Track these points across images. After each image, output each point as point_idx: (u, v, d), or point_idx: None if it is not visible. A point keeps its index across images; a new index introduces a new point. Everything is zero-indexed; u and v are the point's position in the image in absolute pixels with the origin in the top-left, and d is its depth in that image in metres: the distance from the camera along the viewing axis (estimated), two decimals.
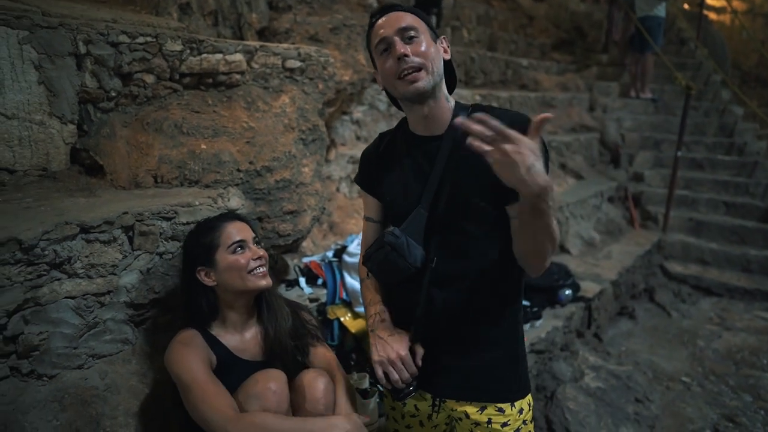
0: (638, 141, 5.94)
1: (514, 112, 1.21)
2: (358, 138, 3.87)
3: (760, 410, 2.78)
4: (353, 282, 2.20)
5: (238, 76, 2.14)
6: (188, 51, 1.99)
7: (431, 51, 1.16)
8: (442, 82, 1.22)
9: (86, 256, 1.43)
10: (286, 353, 1.53)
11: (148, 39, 1.88)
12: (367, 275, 1.38)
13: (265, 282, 1.47)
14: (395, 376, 1.20)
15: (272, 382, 1.37)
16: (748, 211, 4.87)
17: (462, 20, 6.30)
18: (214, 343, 1.46)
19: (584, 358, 2.94)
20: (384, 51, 1.18)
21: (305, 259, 2.45)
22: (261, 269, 1.47)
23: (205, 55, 2.03)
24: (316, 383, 1.42)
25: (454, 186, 1.20)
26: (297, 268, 2.27)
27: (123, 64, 1.83)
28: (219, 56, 2.07)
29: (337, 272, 2.28)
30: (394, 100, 1.32)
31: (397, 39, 1.15)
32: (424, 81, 1.15)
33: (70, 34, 1.70)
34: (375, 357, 1.22)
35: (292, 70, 2.33)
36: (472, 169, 1.18)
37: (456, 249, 1.22)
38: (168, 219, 1.61)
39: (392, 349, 1.21)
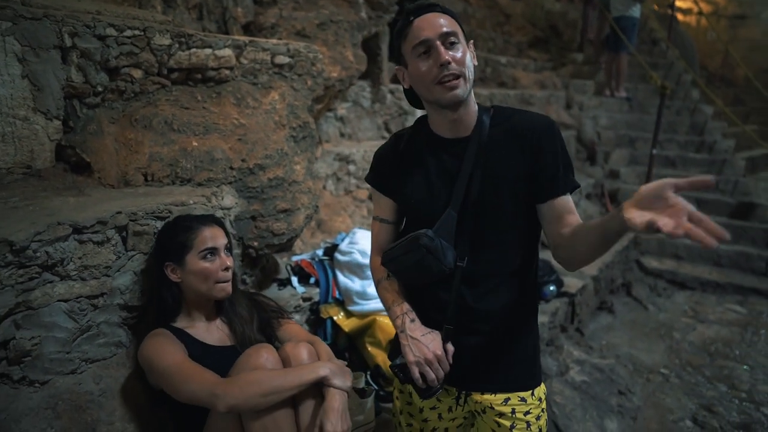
0: (614, 139, 6.07)
1: (536, 115, 1.24)
2: (342, 135, 3.85)
3: (735, 399, 2.89)
4: (346, 281, 2.18)
5: (227, 72, 2.10)
6: (177, 45, 1.94)
7: (467, 58, 1.17)
8: (472, 89, 1.24)
9: (79, 258, 1.38)
10: (259, 343, 1.54)
11: (136, 32, 1.83)
12: (387, 276, 1.36)
13: (226, 293, 1.52)
14: (432, 375, 1.20)
15: (264, 352, 1.40)
16: (718, 208, 5.03)
17: None
18: (183, 336, 1.48)
19: (569, 353, 3.00)
20: (423, 53, 1.16)
21: (295, 258, 2.43)
22: (226, 279, 1.51)
23: (194, 50, 1.98)
24: (298, 350, 1.44)
25: (482, 187, 1.22)
26: (288, 267, 2.24)
27: (110, 58, 1.77)
28: (208, 51, 2.02)
29: (329, 271, 2.26)
30: (413, 101, 1.31)
31: (439, 44, 1.13)
32: (461, 89, 1.16)
33: (55, 26, 1.64)
34: (411, 358, 1.22)
35: (281, 66, 2.29)
36: (499, 170, 1.22)
37: (485, 248, 1.25)
38: (162, 218, 1.57)
39: (428, 349, 1.21)
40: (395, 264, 1.28)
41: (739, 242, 4.68)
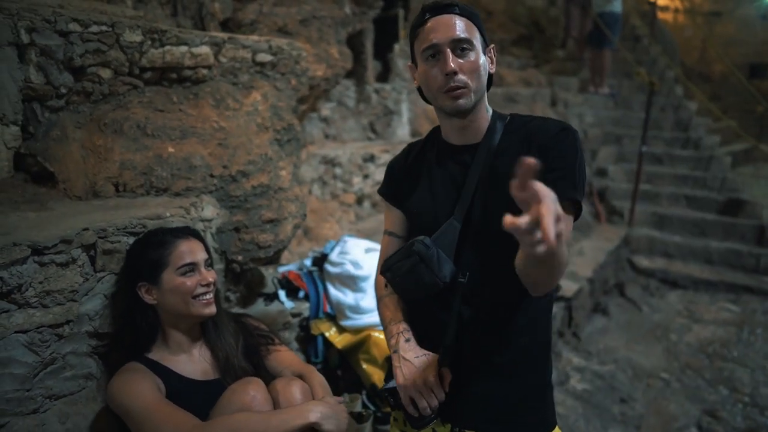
0: (600, 136, 6.01)
1: (553, 120, 1.12)
2: (326, 136, 3.70)
3: (738, 403, 2.81)
4: (337, 294, 2.04)
5: (204, 71, 1.94)
6: (149, 42, 1.77)
7: (480, 67, 1.09)
8: (485, 95, 1.14)
9: (40, 282, 1.22)
10: (245, 372, 1.42)
11: (103, 28, 1.66)
12: (385, 285, 1.25)
13: (209, 311, 1.37)
14: (423, 402, 1.08)
15: (251, 389, 1.28)
16: (706, 204, 5.00)
17: None
18: (160, 370, 1.33)
19: (568, 360, 2.90)
20: (431, 57, 1.08)
21: (281, 269, 2.27)
22: (207, 296, 1.36)
23: (168, 48, 1.82)
24: (290, 389, 1.33)
25: (487, 198, 1.10)
26: (275, 280, 2.09)
27: (74, 56, 1.60)
28: (184, 49, 1.86)
29: (319, 283, 2.11)
30: (425, 97, 1.20)
31: (448, 51, 1.06)
32: (466, 99, 1.08)
33: (9, 21, 1.47)
34: (400, 380, 1.10)
35: (262, 64, 2.14)
36: (505, 181, 1.07)
37: (488, 265, 1.11)
38: (135, 234, 1.41)
39: (420, 372, 1.09)
40: (392, 273, 1.17)
41: (729, 239, 4.65)
